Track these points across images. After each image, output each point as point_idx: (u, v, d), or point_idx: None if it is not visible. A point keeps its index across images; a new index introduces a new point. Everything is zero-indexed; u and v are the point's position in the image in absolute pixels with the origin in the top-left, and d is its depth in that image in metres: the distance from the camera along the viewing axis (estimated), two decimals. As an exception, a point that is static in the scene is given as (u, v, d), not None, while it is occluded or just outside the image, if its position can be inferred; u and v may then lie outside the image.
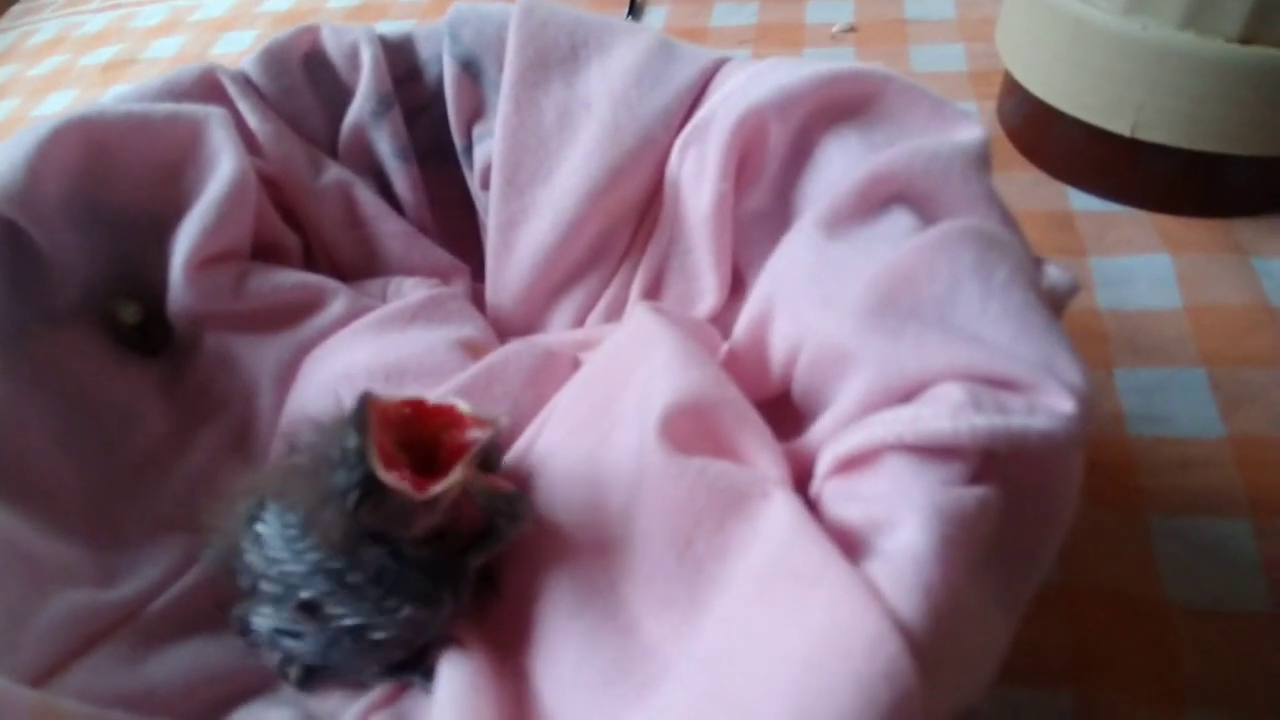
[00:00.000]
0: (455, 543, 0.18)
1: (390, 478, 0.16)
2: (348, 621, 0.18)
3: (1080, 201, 0.42)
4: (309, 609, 0.18)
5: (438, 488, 0.16)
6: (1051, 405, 0.14)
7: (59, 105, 0.64)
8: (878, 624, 0.12)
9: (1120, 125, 0.38)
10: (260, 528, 0.19)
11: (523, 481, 0.20)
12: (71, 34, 0.75)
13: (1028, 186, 0.43)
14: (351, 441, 0.16)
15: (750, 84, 0.23)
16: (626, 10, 0.58)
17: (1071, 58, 0.39)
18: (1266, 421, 0.32)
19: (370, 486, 0.16)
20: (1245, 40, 0.34)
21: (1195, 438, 0.32)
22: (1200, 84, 0.35)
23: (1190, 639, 0.27)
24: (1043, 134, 0.43)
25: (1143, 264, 0.39)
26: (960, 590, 0.13)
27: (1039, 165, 0.44)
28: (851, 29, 0.56)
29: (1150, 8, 0.35)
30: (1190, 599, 0.28)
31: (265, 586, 0.18)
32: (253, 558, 0.19)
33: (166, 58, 0.68)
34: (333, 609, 0.18)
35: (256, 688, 0.21)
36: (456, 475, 0.16)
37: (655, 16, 0.60)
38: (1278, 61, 0.34)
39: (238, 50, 0.67)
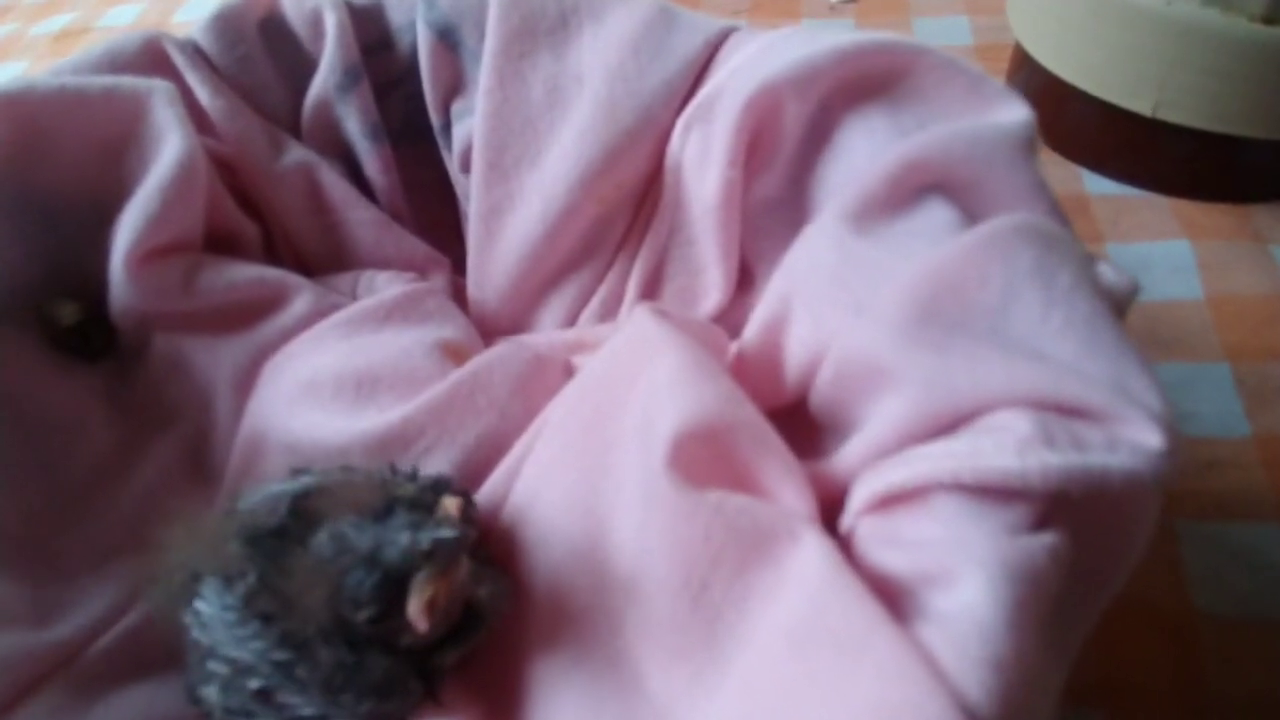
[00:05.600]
0: (429, 639, 0.16)
1: (424, 620, 0.14)
2: (305, 712, 0.15)
3: (1095, 184, 0.40)
4: (261, 697, 0.16)
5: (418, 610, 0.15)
6: (1134, 439, 0.12)
7: (8, 77, 0.60)
8: (942, 710, 0.10)
9: (1141, 104, 0.36)
10: (200, 605, 0.16)
11: (505, 535, 0.18)
12: (22, 1, 0.71)
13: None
14: (395, 554, 0.15)
15: (762, 57, 0.21)
16: (614, -23, 0.55)
17: (1090, 32, 0.37)
18: (1295, 419, 0.31)
19: (392, 609, 0.15)
20: (1269, 20, 0.33)
21: (1220, 437, 0.31)
22: (1223, 63, 0.34)
23: (1218, 650, 0.26)
24: (1056, 112, 0.41)
25: (1161, 250, 0.37)
26: (1031, 661, 0.11)
27: (1051, 145, 0.42)
28: (851, -1, 0.53)
29: (1175, -18, 0.33)
30: (1218, 608, 0.27)
31: (212, 666, 0.16)
32: (197, 635, 0.16)
33: (122, 26, 0.65)
34: (287, 699, 0.15)
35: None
36: (430, 591, 0.15)
37: (645, -16, 0.57)
38: (1303, 42, 0.32)
39: (199, 18, 0.63)
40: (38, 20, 0.67)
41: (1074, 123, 0.40)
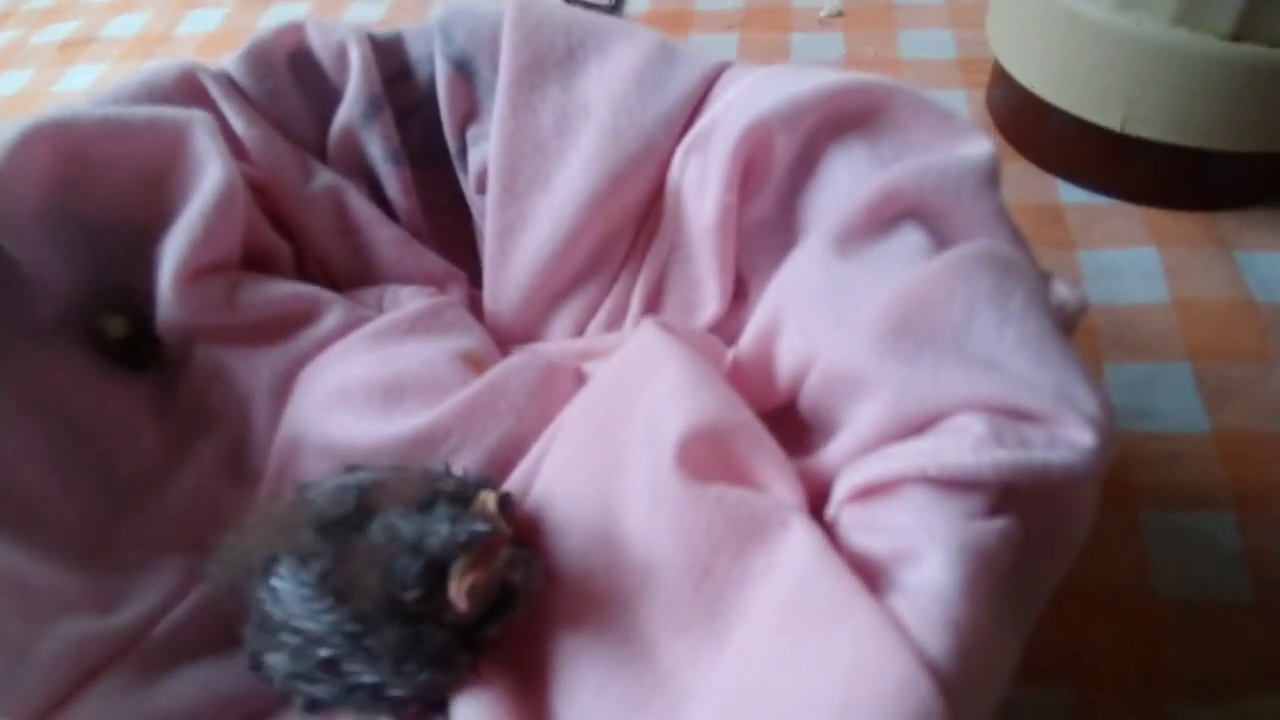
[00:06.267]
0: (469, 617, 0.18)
1: (464, 600, 0.16)
2: (365, 679, 0.18)
3: (1069, 194, 0.42)
4: (327, 665, 0.18)
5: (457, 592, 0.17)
6: (1071, 438, 0.14)
7: (15, 85, 0.61)
8: (908, 665, 0.13)
9: (1111, 120, 0.38)
10: (276, 582, 0.18)
11: (530, 525, 0.20)
12: (20, 7, 0.71)
13: (1017, 177, 0.43)
14: (436, 543, 0.17)
15: (755, 93, 0.23)
16: (611, -8, 0.57)
17: (1064, 51, 0.39)
18: (1248, 416, 0.33)
19: (435, 590, 0.17)
20: (1236, 37, 0.34)
21: (1181, 432, 0.33)
22: (1191, 80, 0.35)
23: (1177, 631, 0.28)
24: (1033, 126, 0.43)
25: (1130, 257, 0.39)
26: (984, 625, 0.13)
27: (1028, 156, 0.44)
28: (840, 14, 0.55)
29: (1143, 3, 0.35)
30: (1178, 591, 0.29)
31: (283, 637, 0.18)
32: (270, 609, 0.19)
33: (128, 36, 0.65)
34: (350, 667, 0.18)
35: (266, 710, 0.21)
36: (469, 578, 0.17)
37: (640, -1, 0.59)
38: (1267, 59, 0.34)
39: (203, 30, 0.64)
40: (39, 27, 0.67)
41: (1049, 136, 0.42)
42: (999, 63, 0.44)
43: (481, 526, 0.17)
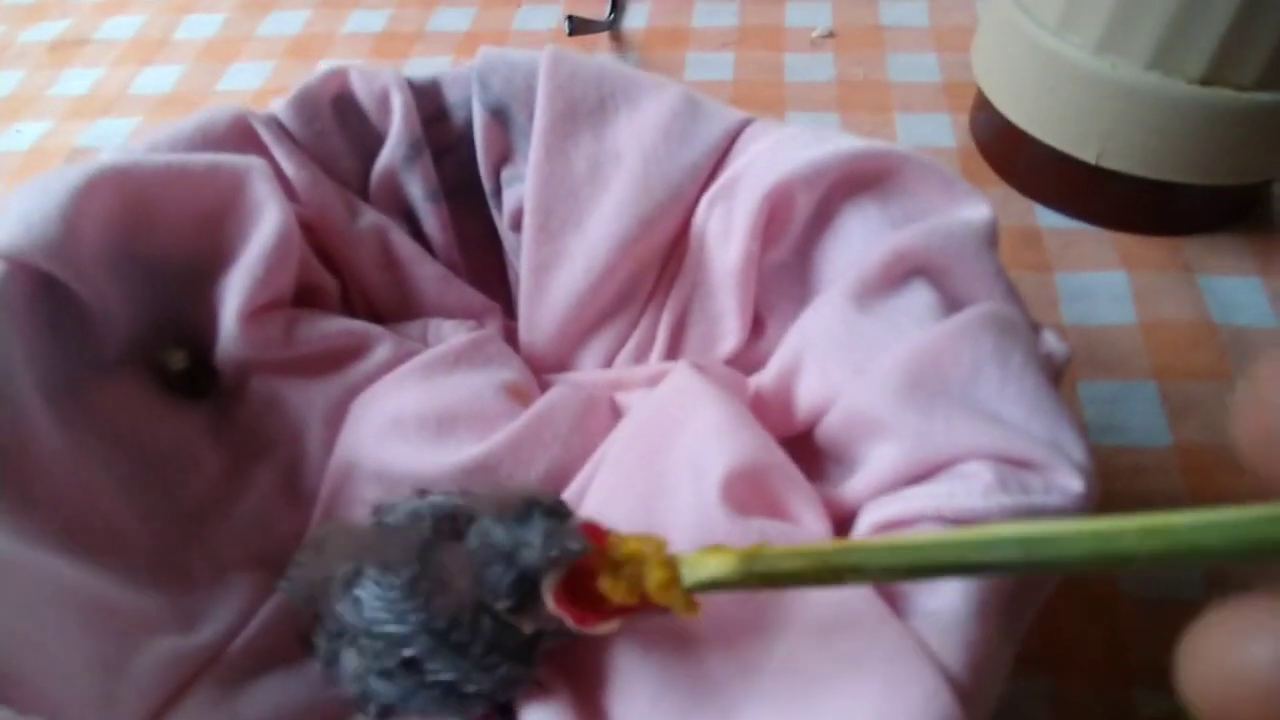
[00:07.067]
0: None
1: (555, 609, 0.17)
2: (443, 676, 0.19)
3: (1046, 219, 0.45)
4: (407, 664, 0.19)
5: (600, 629, 0.18)
6: (1063, 484, 0.17)
7: (6, 87, 0.60)
8: (933, 678, 0.15)
9: (1086, 153, 0.41)
10: (358, 591, 0.20)
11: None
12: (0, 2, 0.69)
13: (998, 201, 0.46)
14: (533, 557, 0.17)
15: (777, 153, 0.25)
16: (608, 9, 0.59)
17: (1043, 88, 0.41)
18: (1206, 430, 0.36)
19: (528, 604, 0.18)
20: (1205, 82, 0.37)
21: (1146, 446, 0.36)
22: (1162, 120, 0.38)
23: (1139, 627, 0.31)
24: (1013, 153, 0.46)
25: (1102, 280, 0.42)
26: (991, 641, 0.16)
27: (1009, 181, 0.47)
28: (830, 35, 0.57)
29: (1120, 48, 0.38)
30: (1140, 591, 0.32)
31: (364, 642, 0.20)
32: (350, 619, 0.20)
33: (123, 40, 0.65)
34: (431, 665, 0.19)
35: (341, 715, 0.23)
36: (615, 626, 0.18)
37: (637, 15, 0.61)
38: (1232, 102, 0.37)
39: (201, 35, 0.64)
40: (25, 24, 0.66)
41: (1028, 163, 0.45)
42: (982, 90, 0.47)
43: (574, 545, 0.18)
